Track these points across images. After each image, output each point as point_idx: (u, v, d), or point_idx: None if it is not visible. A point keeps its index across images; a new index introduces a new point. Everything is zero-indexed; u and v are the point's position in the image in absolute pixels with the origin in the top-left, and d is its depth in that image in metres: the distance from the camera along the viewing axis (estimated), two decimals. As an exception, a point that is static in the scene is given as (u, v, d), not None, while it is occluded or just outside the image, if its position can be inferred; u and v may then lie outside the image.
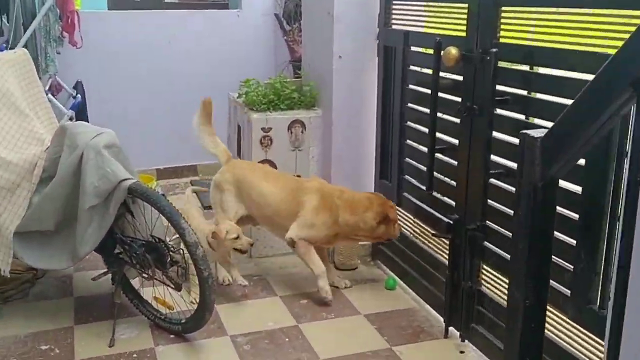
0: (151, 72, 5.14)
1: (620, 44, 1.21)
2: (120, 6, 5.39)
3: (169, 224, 2.76)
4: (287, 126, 3.70)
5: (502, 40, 2.49)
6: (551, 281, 2.22)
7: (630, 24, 1.99)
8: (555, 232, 2.20)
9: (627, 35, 1.24)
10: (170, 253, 2.82)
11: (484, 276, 2.70)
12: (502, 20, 2.49)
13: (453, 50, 2.64)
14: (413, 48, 3.21)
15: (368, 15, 3.51)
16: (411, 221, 3.29)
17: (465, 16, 2.67)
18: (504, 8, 2.47)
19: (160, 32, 5.16)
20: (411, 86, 3.24)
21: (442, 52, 2.70)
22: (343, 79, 3.57)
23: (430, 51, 2.97)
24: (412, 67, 3.23)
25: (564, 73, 2.21)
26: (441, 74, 2.79)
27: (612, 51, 1.99)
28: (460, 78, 2.73)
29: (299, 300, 3.27)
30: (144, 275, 2.89)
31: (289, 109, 3.76)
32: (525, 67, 2.43)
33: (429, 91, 2.91)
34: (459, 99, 2.75)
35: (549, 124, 2.31)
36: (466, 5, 2.65)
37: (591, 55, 2.06)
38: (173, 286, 2.85)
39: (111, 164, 2.75)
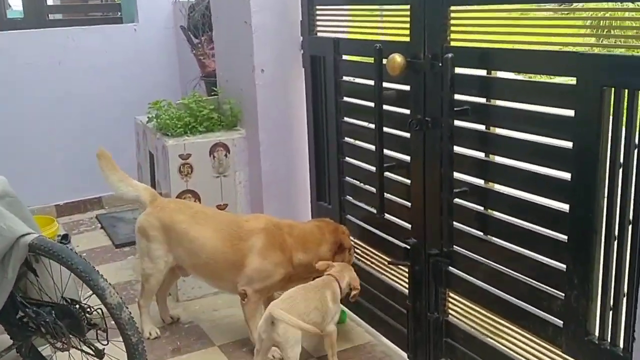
0: (41, 98, 4.56)
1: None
2: (-1, 27, 4.78)
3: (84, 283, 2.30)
4: (208, 150, 3.30)
5: (453, 43, 2.24)
6: (538, 311, 2.01)
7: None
8: (542, 257, 1.98)
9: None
10: (87, 315, 2.36)
11: (451, 305, 2.44)
12: (452, 22, 2.23)
13: (398, 58, 2.35)
14: (345, 57, 2.91)
15: (289, 22, 3.19)
16: (360, 247, 2.98)
17: (407, 19, 2.39)
18: (453, 8, 2.21)
19: (48, 52, 4.59)
20: (346, 98, 2.94)
21: (384, 60, 2.41)
22: (267, 94, 3.22)
23: (366, 59, 2.70)
24: (345, 78, 2.93)
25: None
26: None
27: (580, 49, 1.84)
28: (406, 88, 2.46)
29: (240, 348, 2.89)
30: (57, 345, 2.40)
31: (208, 131, 3.36)
32: (482, 72, 2.19)
33: (367, 103, 2.64)
34: (406, 111, 2.47)
35: (513, 134, 2.18)
36: (408, 6, 2.38)
37: (554, 55, 1.86)
38: (94, 353, 2.40)
39: (5, 217, 2.26)
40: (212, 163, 3.30)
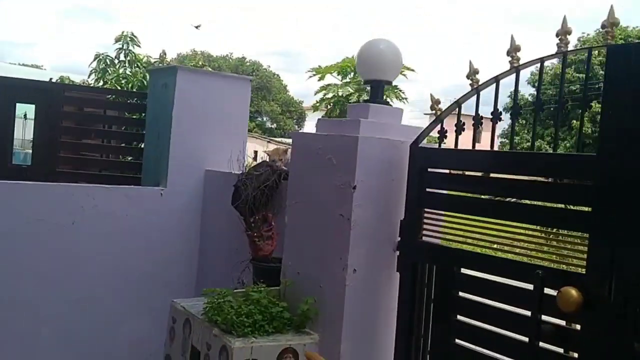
0: (45, 260, 3.97)
1: None
2: None
3: None
4: (275, 357, 2.78)
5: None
6: None
7: None
8: None
9: None
10: None
11: None
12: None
13: (573, 292, 2.04)
14: (464, 270, 2.58)
15: (387, 220, 2.87)
16: None
17: (584, 241, 2.11)
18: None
19: (61, 209, 4.09)
20: (460, 317, 2.56)
21: (557, 292, 2.08)
22: (356, 298, 2.81)
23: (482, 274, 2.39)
24: (462, 294, 2.57)
25: None
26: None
27: None
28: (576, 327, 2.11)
29: None
30: None
31: (277, 332, 2.86)
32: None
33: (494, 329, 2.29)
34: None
35: None
36: (587, 234, 2.10)
37: None
38: None
39: None
40: (280, 373, 2.76)
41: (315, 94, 14.64)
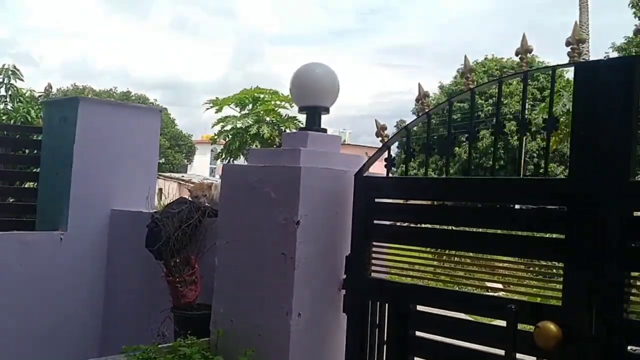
0: None
1: None
2: None
3: None
4: (214, 420, 2.44)
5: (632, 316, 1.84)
6: None
7: None
8: None
9: None
10: None
11: None
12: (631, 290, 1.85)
13: (552, 327, 1.90)
14: (420, 308, 2.39)
15: (333, 256, 2.64)
16: None
17: (559, 278, 1.98)
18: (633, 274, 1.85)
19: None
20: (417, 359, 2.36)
21: (535, 328, 1.93)
22: (300, 345, 2.54)
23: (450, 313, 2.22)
24: (419, 334, 2.38)
25: None
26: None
27: None
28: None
29: None
30: None
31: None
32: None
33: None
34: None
35: None
36: (561, 264, 1.98)
37: None
38: None
39: None
40: None
41: (212, 127, 14.21)
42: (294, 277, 2.52)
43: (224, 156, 14.11)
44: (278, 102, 13.95)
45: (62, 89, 44.48)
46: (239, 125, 13.64)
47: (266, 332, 2.60)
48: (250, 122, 13.34)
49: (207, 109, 13.96)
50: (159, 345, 2.73)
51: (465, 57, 2.31)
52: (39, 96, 11.84)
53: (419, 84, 2.47)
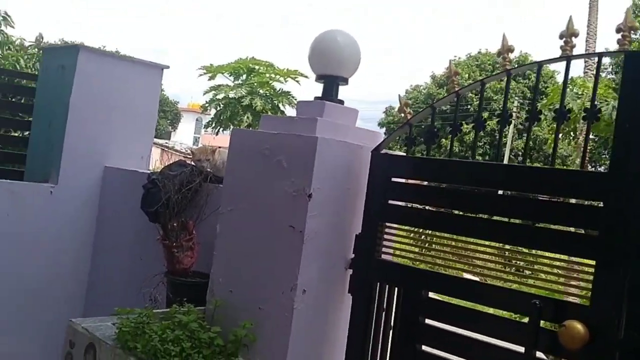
0: None
1: None
2: None
3: None
4: (207, 392, 2.33)
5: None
6: None
7: None
8: None
9: None
10: None
11: None
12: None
13: (579, 327, 1.81)
14: (432, 295, 2.29)
15: (342, 234, 2.53)
16: None
17: (590, 269, 1.88)
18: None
19: None
20: (425, 348, 2.27)
21: (559, 327, 1.84)
22: (303, 323, 2.43)
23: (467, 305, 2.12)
24: (428, 321, 2.29)
25: None
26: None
27: None
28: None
29: None
30: None
31: (207, 362, 2.41)
32: None
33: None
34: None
35: None
36: (593, 262, 1.88)
37: None
38: None
39: None
40: (213, 412, 2.32)
41: (204, 94, 13.94)
42: (301, 251, 2.40)
43: (213, 125, 13.89)
44: (273, 76, 13.74)
45: (49, 42, 43.59)
46: (231, 95, 13.41)
47: (267, 306, 2.49)
48: (243, 93, 13.11)
49: (200, 75, 13.70)
50: (153, 311, 2.61)
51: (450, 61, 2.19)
52: (29, 46, 11.53)
53: (450, 61, 2.34)
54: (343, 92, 2.78)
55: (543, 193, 2.07)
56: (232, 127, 13.72)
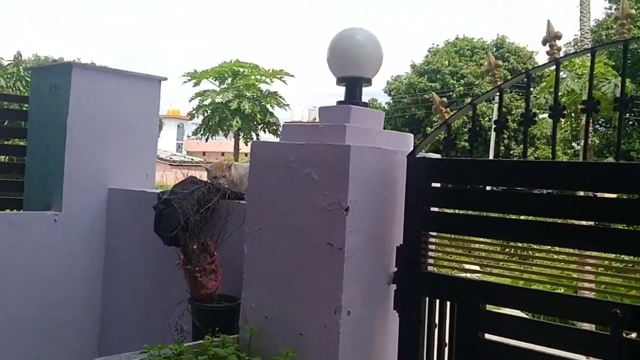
0: None
1: None
2: None
3: None
4: None
5: None
6: None
7: None
8: None
9: None
10: None
11: None
12: None
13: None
14: (491, 308, 2.12)
15: (382, 247, 2.36)
16: None
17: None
18: None
19: None
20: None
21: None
22: (352, 348, 2.25)
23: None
24: (487, 336, 2.12)
25: None
26: None
27: None
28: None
29: None
30: None
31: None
32: None
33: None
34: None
35: None
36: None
37: None
38: None
39: None
40: None
41: (190, 101, 13.68)
42: (343, 270, 2.22)
43: (202, 132, 13.66)
44: (258, 77, 13.53)
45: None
46: (218, 100, 13.18)
47: (309, 331, 2.31)
48: (230, 97, 12.89)
49: (185, 82, 13.46)
50: (185, 344, 2.42)
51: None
52: (8, 64, 11.24)
53: (489, 54, 2.17)
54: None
55: (601, 190, 1.91)
56: (221, 132, 13.48)
